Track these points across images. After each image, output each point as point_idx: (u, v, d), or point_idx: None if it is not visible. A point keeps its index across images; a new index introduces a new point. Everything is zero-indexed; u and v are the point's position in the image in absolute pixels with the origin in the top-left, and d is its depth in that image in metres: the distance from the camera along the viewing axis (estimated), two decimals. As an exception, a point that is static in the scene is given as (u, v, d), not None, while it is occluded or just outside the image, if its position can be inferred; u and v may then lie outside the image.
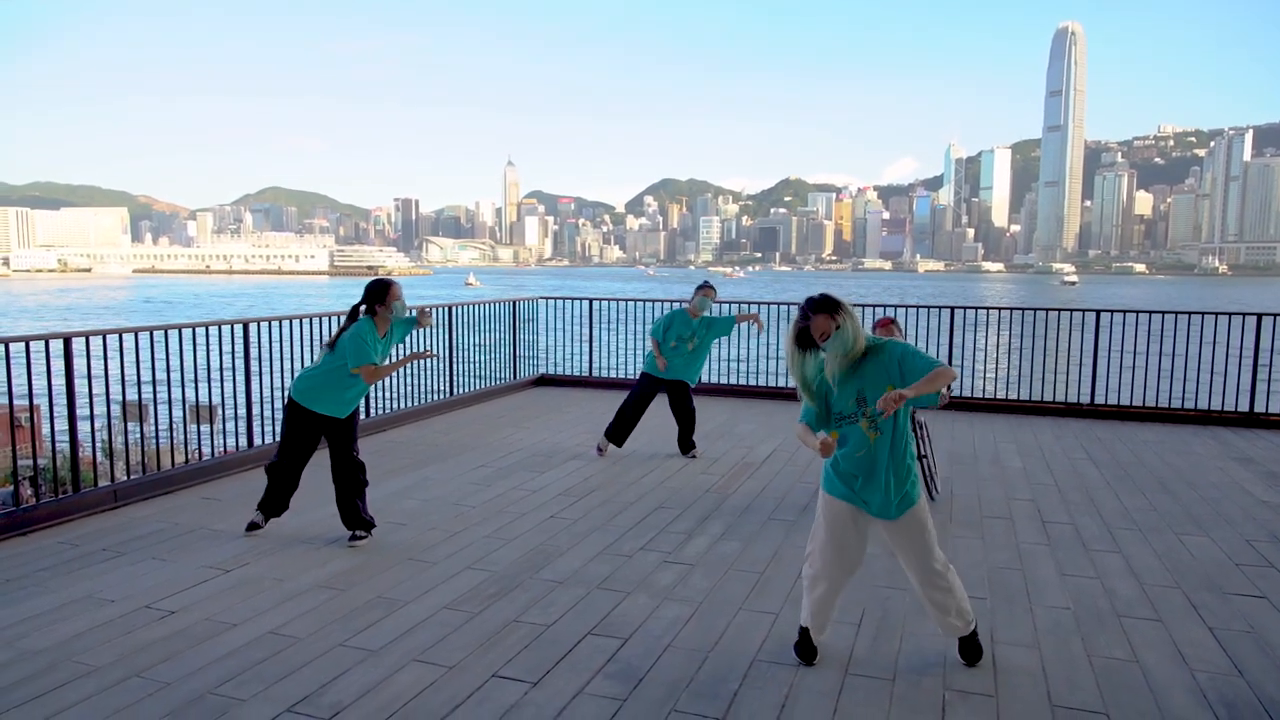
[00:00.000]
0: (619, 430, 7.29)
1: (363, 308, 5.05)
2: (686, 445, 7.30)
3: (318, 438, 5.14)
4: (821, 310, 3.24)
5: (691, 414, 7.28)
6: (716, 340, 7.44)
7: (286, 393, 5.22)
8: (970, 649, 3.54)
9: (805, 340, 3.31)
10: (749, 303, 12.00)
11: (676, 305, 7.46)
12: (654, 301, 11.51)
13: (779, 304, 11.25)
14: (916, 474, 3.45)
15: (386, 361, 5.13)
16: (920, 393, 3.12)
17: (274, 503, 5.19)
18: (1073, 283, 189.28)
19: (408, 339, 5.61)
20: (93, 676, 3.38)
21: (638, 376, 7.46)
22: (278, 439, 5.21)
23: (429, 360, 8.97)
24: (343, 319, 5.17)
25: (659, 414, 7.72)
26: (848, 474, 3.41)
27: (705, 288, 7.32)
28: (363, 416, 8.02)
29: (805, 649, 3.57)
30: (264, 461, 5.27)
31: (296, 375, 5.27)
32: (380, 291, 5.02)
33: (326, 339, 5.17)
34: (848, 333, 3.23)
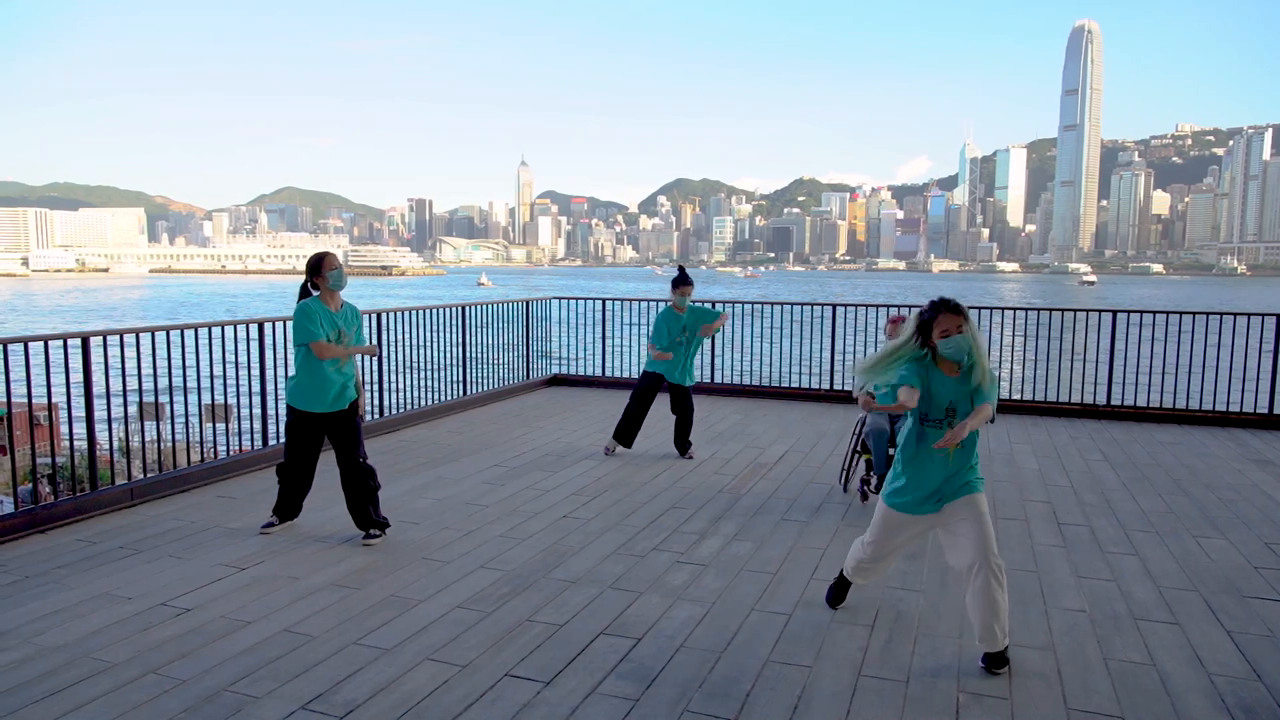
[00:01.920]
0: (626, 431, 7.34)
1: (309, 285, 5.08)
2: (683, 445, 7.29)
3: (318, 436, 5.16)
4: (956, 311, 3.42)
5: (689, 412, 7.28)
6: (712, 337, 7.48)
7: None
8: (997, 660, 3.49)
9: (924, 333, 3.46)
10: (765, 303, 11.98)
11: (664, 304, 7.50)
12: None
13: (800, 304, 11.24)
14: (979, 466, 3.59)
15: (340, 337, 5.03)
16: (970, 430, 3.35)
17: (286, 506, 5.23)
18: (1091, 282, 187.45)
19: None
20: (110, 673, 3.41)
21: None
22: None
23: (437, 359, 9.01)
24: (367, 318, 5.16)
25: (670, 416, 7.71)
26: (916, 480, 3.54)
27: (684, 284, 7.25)
28: (376, 416, 8.07)
29: (839, 593, 4.04)
30: (279, 460, 5.30)
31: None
32: (315, 264, 5.06)
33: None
34: (966, 341, 3.38)
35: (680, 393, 7.28)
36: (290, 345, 5.06)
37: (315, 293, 5.05)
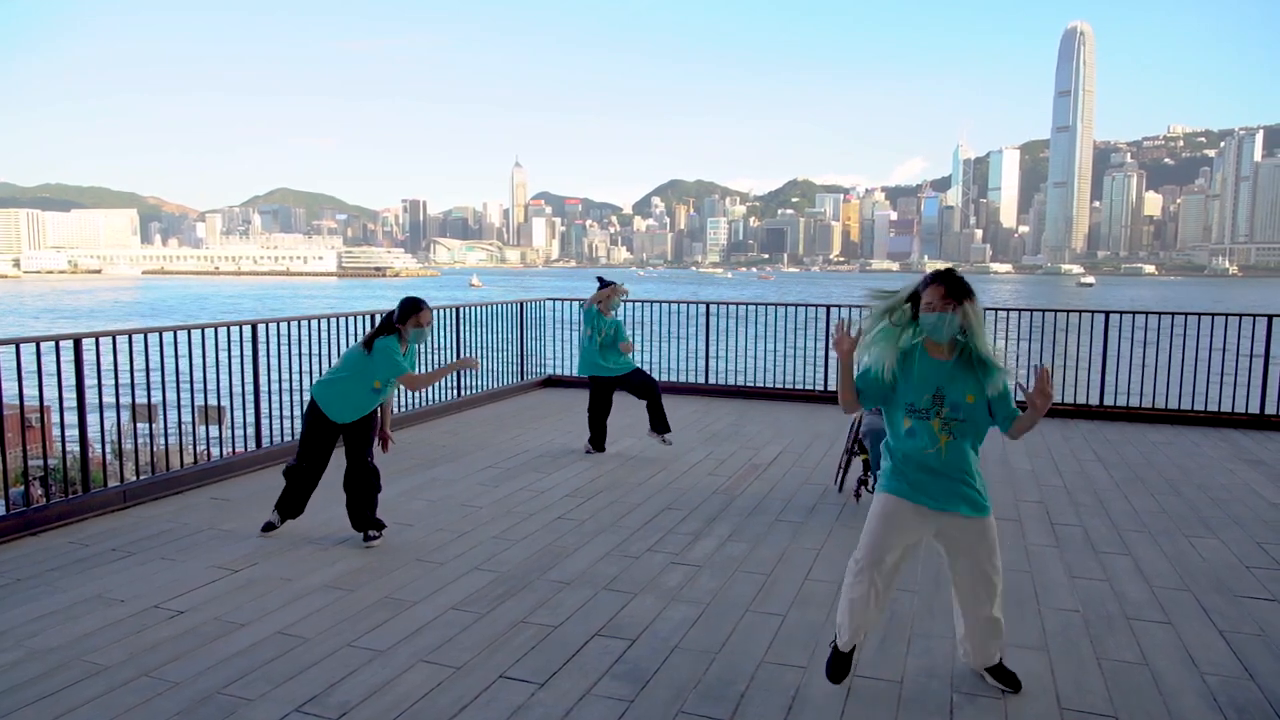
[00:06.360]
0: (595, 438, 7.43)
1: (395, 324, 5.06)
2: (658, 423, 7.32)
3: (333, 439, 5.12)
4: (944, 284, 3.07)
5: (654, 389, 7.32)
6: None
7: (308, 394, 5.21)
8: (1006, 675, 3.36)
9: (914, 304, 3.16)
10: (760, 304, 11.99)
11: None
12: (660, 302, 11.52)
13: (800, 305, 11.25)
14: (985, 486, 3.27)
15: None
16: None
17: (291, 504, 5.18)
18: (1089, 283, 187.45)
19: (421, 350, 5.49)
20: (102, 676, 3.40)
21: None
22: (297, 439, 5.20)
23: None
24: (361, 320, 5.13)
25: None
26: (909, 471, 3.19)
27: (613, 286, 7.43)
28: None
29: (837, 666, 3.29)
30: (273, 462, 5.30)
31: (320, 377, 5.28)
32: (408, 310, 5.07)
33: (360, 339, 5.19)
34: (954, 324, 3.07)
35: (625, 384, 7.34)
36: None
37: (399, 330, 5.04)
